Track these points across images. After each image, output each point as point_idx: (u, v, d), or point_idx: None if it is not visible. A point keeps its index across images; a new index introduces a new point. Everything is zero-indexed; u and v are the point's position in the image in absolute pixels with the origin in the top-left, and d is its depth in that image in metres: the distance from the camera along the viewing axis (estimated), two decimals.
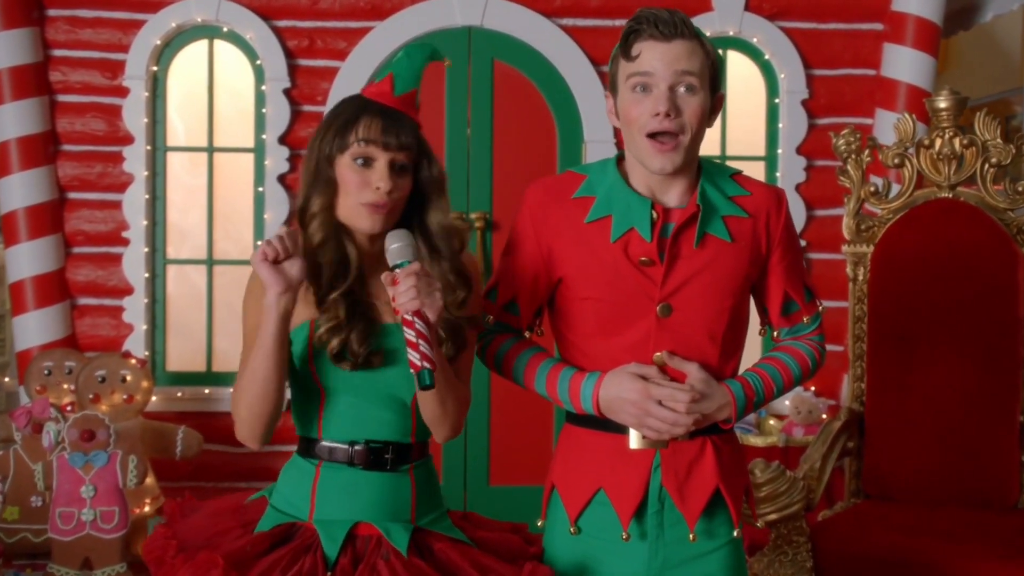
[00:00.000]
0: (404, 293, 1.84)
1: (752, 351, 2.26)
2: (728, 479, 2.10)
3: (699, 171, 2.12)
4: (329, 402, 2.05)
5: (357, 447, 2.04)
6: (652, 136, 2.02)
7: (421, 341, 1.81)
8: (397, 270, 1.89)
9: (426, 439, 2.12)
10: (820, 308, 2.24)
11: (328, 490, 2.04)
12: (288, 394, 2.07)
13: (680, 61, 1.99)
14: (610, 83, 2.12)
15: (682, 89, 2.00)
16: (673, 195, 2.09)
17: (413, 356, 1.83)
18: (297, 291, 1.94)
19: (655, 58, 1.99)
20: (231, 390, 2.07)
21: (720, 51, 4.85)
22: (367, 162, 2.01)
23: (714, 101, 2.07)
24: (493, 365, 2.21)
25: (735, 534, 2.12)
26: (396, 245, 1.92)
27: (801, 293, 2.20)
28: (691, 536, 2.07)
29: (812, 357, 2.22)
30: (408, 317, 1.83)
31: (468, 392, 2.11)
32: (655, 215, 2.06)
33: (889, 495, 3.40)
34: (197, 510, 2.16)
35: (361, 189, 2.00)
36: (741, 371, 2.18)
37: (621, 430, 2.07)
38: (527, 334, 2.23)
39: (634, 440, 2.07)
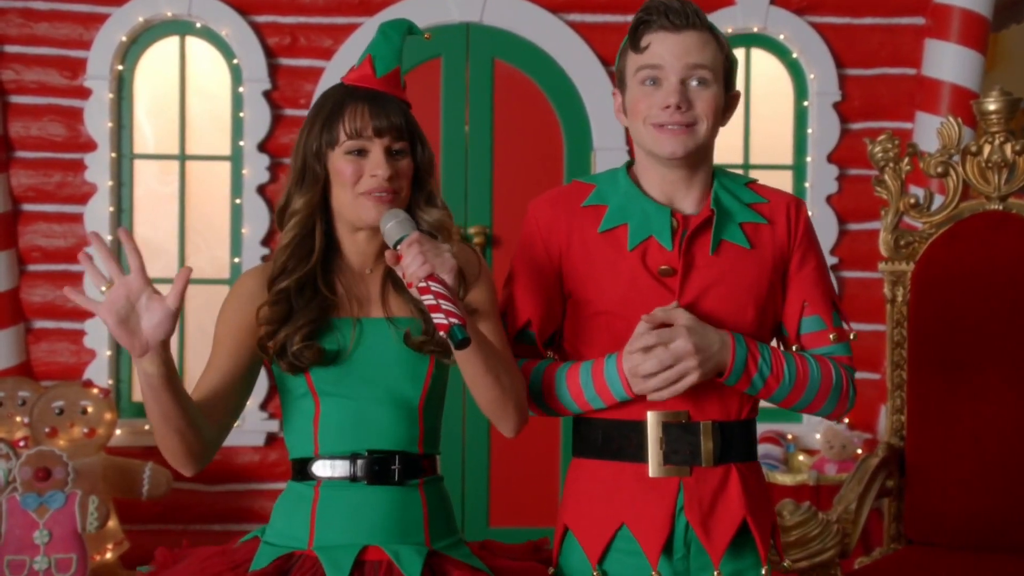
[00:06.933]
0: (411, 263, 1.88)
1: None
2: (755, 512, 2.11)
3: (712, 178, 2.17)
4: (324, 410, 2.04)
5: (360, 459, 2.03)
6: (660, 126, 2.07)
7: (441, 301, 1.84)
8: (399, 246, 1.93)
9: (435, 453, 2.12)
10: (851, 336, 2.21)
11: (330, 512, 2.02)
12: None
13: (692, 53, 2.06)
14: (617, 79, 2.18)
15: (694, 82, 2.07)
16: (690, 201, 2.14)
17: (438, 318, 1.84)
18: (164, 347, 1.88)
19: (665, 50, 2.06)
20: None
21: (743, 49, 4.90)
22: (361, 153, 2.04)
23: (728, 99, 2.14)
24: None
25: (763, 573, 2.13)
26: (391, 223, 1.97)
27: (826, 309, 2.18)
28: (715, 574, 2.06)
29: (839, 376, 2.16)
30: (423, 284, 1.86)
31: (518, 370, 2.10)
32: (675, 222, 2.10)
33: (933, 540, 3.37)
34: (187, 557, 2.14)
35: (359, 179, 2.04)
36: None
37: (639, 457, 2.07)
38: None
39: (654, 467, 2.07)
